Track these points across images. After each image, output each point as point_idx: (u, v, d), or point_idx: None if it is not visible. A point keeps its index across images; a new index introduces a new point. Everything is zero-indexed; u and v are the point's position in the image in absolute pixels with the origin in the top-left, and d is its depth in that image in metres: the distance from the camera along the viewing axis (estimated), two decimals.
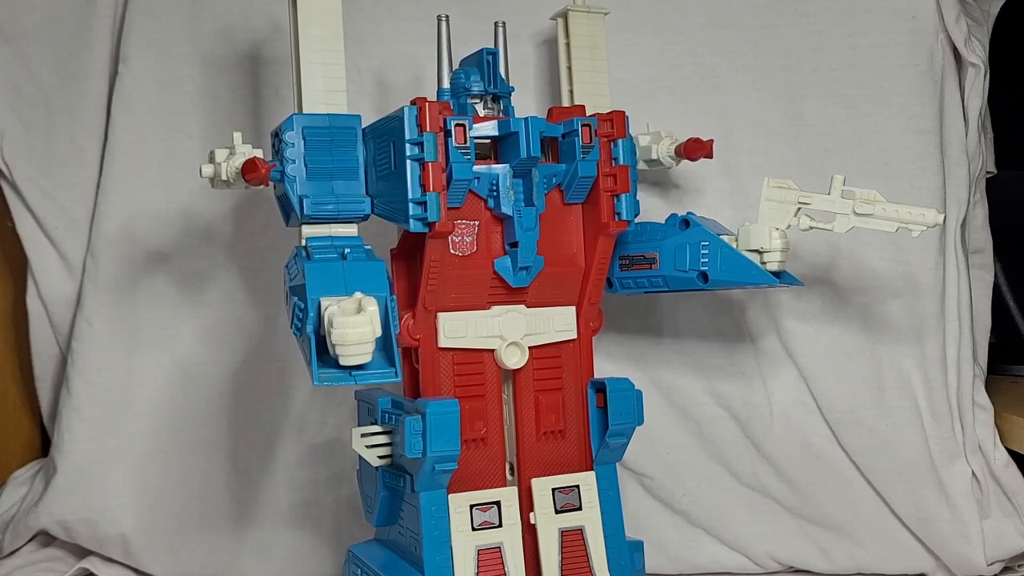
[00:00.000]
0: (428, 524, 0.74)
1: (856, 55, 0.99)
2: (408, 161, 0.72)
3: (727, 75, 1.00)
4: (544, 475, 0.79)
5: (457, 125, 0.73)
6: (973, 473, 0.98)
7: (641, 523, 1.02)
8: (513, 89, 0.82)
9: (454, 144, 0.73)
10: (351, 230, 0.77)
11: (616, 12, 0.93)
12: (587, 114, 0.80)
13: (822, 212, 0.80)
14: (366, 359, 0.65)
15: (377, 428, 0.77)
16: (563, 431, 0.81)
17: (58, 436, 1.03)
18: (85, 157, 1.04)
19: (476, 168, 0.75)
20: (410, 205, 0.72)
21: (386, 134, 0.75)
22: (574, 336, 0.82)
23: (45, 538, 1.07)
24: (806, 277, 0.95)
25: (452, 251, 0.77)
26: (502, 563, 0.75)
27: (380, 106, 1.00)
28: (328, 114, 0.76)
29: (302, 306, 0.68)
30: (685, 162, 0.90)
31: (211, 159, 0.78)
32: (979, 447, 1.00)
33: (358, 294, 0.67)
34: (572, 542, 0.78)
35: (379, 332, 0.65)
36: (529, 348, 0.79)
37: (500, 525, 0.76)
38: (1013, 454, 1.01)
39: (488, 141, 0.79)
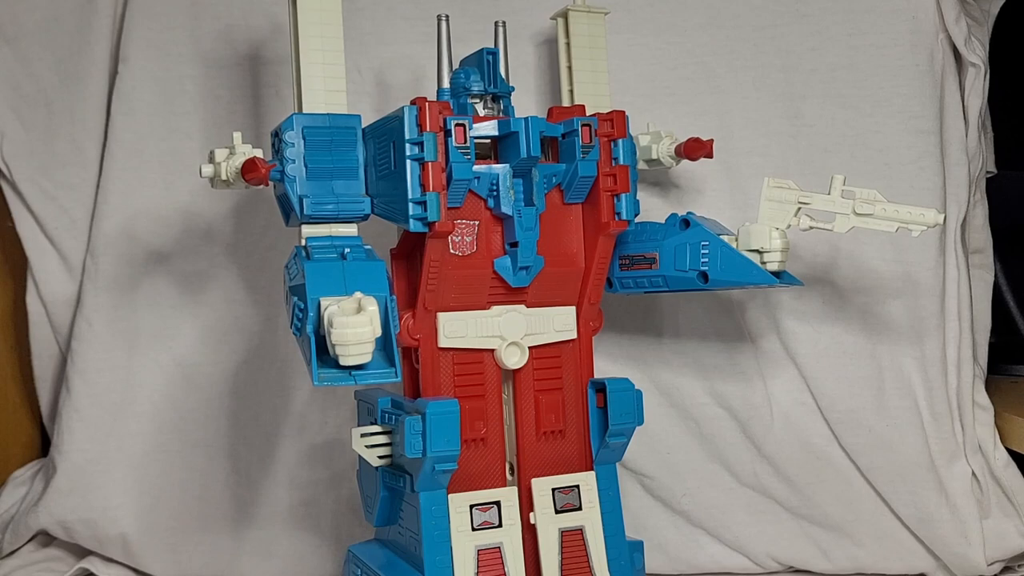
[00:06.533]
0: (428, 524, 0.74)
1: (856, 55, 0.99)
2: (408, 161, 0.72)
3: (727, 75, 1.00)
4: (544, 475, 0.79)
5: (457, 125, 0.73)
6: (973, 473, 0.98)
7: (641, 523, 1.02)
8: (513, 89, 0.82)
9: (454, 144, 0.73)
10: (351, 230, 0.77)
11: (616, 12, 0.93)
12: (587, 114, 0.80)
13: (822, 212, 0.80)
14: (366, 359, 0.65)
15: (377, 428, 0.77)
16: (563, 431, 0.81)
17: (58, 436, 1.03)
18: (85, 157, 1.04)
19: (476, 168, 0.75)
20: (410, 205, 0.72)
21: (386, 134, 0.74)
22: (574, 336, 0.82)
23: (45, 538, 1.07)
24: (806, 277, 0.95)
25: (452, 251, 0.77)
26: (502, 563, 0.75)
27: (380, 106, 1.00)
28: (328, 114, 0.76)
29: (302, 306, 0.68)
30: (685, 162, 0.90)
31: (211, 159, 0.78)
32: (979, 447, 1.00)
33: (358, 294, 0.67)
34: (572, 542, 0.78)
35: (379, 332, 0.65)
36: (529, 348, 0.79)
37: (500, 525, 0.76)
38: (1013, 454, 1.01)
39: (488, 141, 0.78)
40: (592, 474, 0.80)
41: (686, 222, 0.81)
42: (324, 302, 0.67)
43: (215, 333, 1.03)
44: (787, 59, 1.00)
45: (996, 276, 1.11)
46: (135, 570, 1.04)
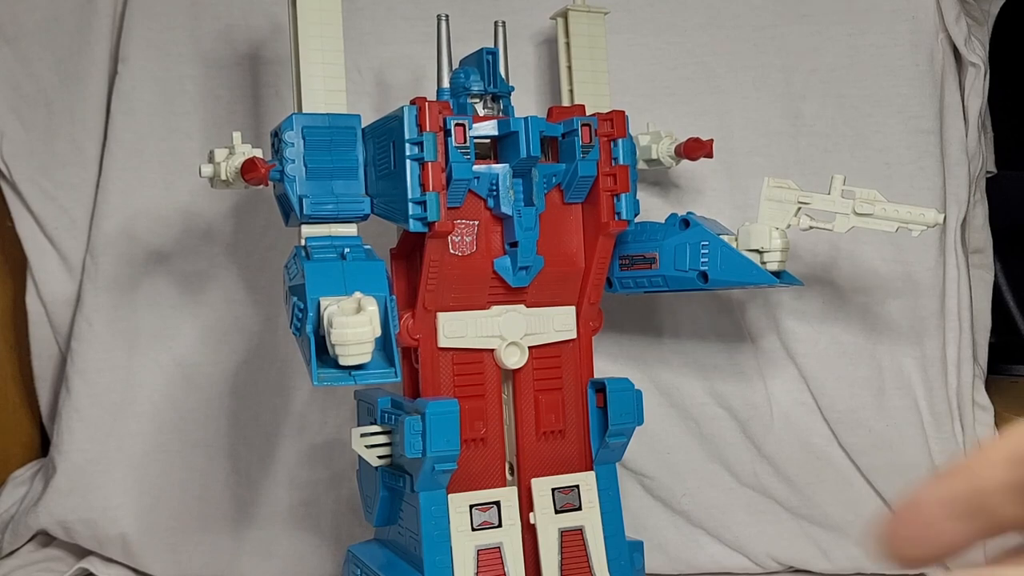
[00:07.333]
0: (428, 524, 0.74)
1: (856, 55, 0.99)
2: (408, 161, 0.72)
3: (727, 75, 1.00)
4: (544, 475, 0.79)
5: (457, 125, 0.73)
6: None
7: (641, 523, 1.02)
8: (513, 89, 0.82)
9: (454, 144, 0.73)
10: (351, 230, 0.77)
11: (616, 12, 0.93)
12: (587, 114, 0.80)
13: (822, 212, 0.80)
14: (366, 359, 0.65)
15: (377, 428, 0.77)
16: (563, 431, 0.81)
17: (58, 436, 1.03)
18: (85, 157, 1.04)
19: (476, 168, 0.75)
20: (410, 205, 0.72)
21: (386, 134, 0.74)
22: (574, 336, 0.82)
23: (45, 538, 1.07)
24: (806, 277, 0.95)
25: (452, 251, 0.76)
26: (502, 563, 0.75)
27: (380, 106, 1.00)
28: (328, 114, 0.76)
29: (301, 306, 0.68)
30: (685, 162, 0.90)
31: (211, 159, 0.78)
32: (979, 447, 1.00)
33: (358, 294, 0.67)
34: (572, 542, 0.78)
35: (379, 332, 0.65)
36: (529, 348, 0.79)
37: (500, 525, 0.76)
38: None
39: (488, 141, 0.78)
40: (592, 474, 0.80)
41: (686, 222, 0.81)
42: (324, 302, 0.67)
43: (215, 333, 1.03)
44: (787, 59, 1.00)
45: (996, 276, 1.11)
46: (135, 570, 1.04)
